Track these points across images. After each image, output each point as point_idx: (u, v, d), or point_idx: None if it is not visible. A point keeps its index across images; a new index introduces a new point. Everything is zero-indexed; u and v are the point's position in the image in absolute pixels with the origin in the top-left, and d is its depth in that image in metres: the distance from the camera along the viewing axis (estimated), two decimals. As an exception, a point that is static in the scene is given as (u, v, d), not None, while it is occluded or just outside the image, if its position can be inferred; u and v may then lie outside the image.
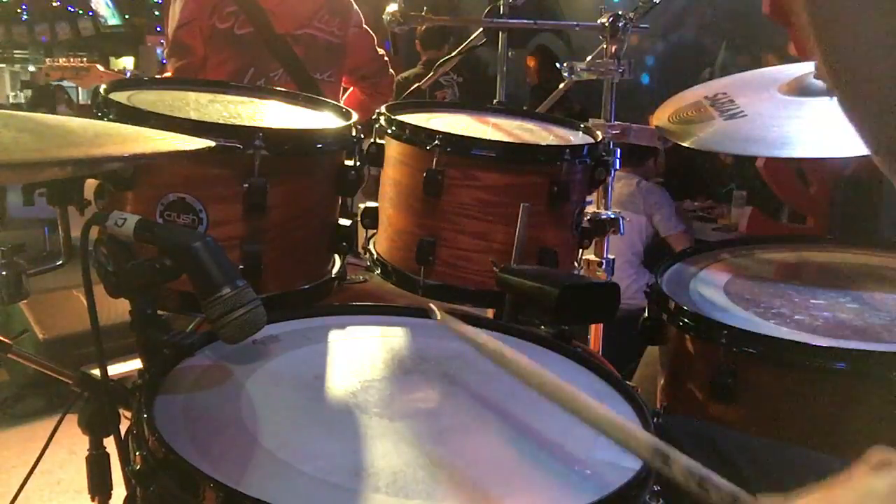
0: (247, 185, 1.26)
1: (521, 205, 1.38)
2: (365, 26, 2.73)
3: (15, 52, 7.72)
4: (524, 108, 2.46)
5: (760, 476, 1.04)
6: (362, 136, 1.47)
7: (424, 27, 4.20)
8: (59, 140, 0.88)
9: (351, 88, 2.84)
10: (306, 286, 1.41)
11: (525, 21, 2.13)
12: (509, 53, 2.20)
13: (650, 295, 1.46)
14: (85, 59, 3.67)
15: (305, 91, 1.98)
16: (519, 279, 1.30)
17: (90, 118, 1.26)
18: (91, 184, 1.32)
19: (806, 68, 1.69)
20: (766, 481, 1.03)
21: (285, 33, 2.48)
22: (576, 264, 1.64)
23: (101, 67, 3.45)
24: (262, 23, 2.44)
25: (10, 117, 0.94)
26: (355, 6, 2.69)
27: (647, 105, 1.82)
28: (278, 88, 1.75)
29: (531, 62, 5.87)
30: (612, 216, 1.78)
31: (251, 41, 2.44)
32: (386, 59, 2.86)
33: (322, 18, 2.57)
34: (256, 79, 2.47)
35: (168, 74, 2.56)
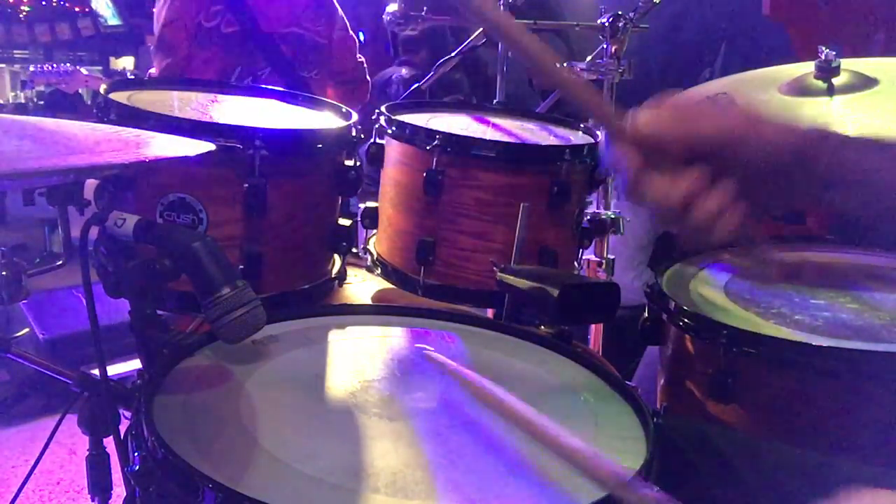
0: (247, 185, 1.26)
1: (521, 205, 1.38)
2: (350, 31, 2.74)
3: (15, 52, 7.72)
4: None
5: (759, 477, 1.04)
6: (362, 136, 1.47)
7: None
8: (60, 147, 0.88)
9: (328, 91, 2.84)
10: (306, 286, 1.41)
11: (525, 21, 2.13)
12: (509, 53, 2.20)
13: (650, 295, 1.46)
14: (68, 65, 3.74)
15: (293, 90, 1.98)
16: (519, 279, 1.30)
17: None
18: (91, 184, 1.32)
19: (806, 68, 1.69)
20: (766, 482, 1.03)
21: (272, 32, 2.48)
22: (576, 264, 1.64)
23: (84, 70, 3.49)
24: (249, 21, 2.44)
25: (11, 123, 0.94)
26: (339, 9, 2.70)
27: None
28: (277, 88, 1.75)
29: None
30: (613, 216, 1.78)
31: (238, 40, 2.44)
32: (365, 66, 2.87)
33: (308, 17, 2.58)
34: (243, 77, 2.47)
35: (153, 71, 2.57)
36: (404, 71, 4.95)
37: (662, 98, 0.84)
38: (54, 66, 3.73)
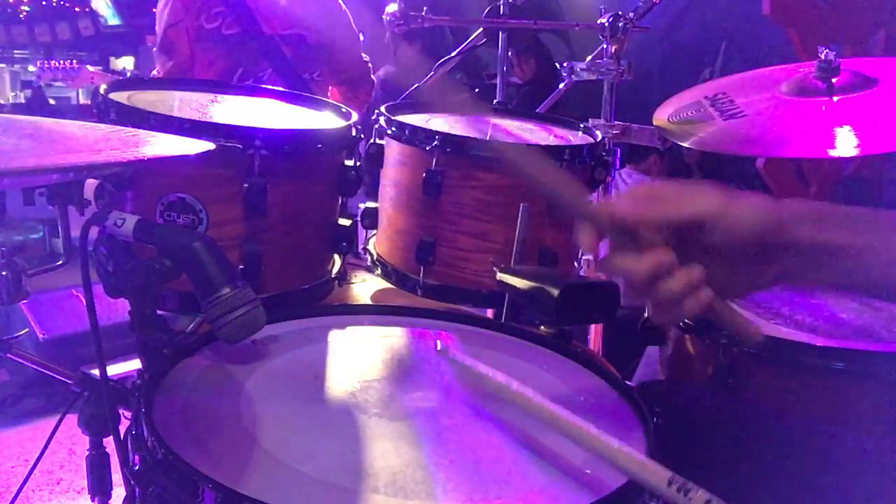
0: (247, 185, 1.26)
1: (521, 205, 1.37)
2: (353, 27, 2.74)
3: (15, 52, 7.72)
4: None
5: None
6: (362, 136, 1.47)
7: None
8: (59, 146, 0.88)
9: (330, 89, 2.84)
10: (306, 286, 1.41)
11: (525, 21, 2.13)
12: (509, 53, 2.20)
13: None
14: (75, 62, 3.78)
15: (295, 91, 1.98)
16: (519, 279, 1.29)
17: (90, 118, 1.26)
18: (91, 184, 1.32)
19: (806, 68, 1.69)
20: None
21: (273, 34, 2.48)
22: (576, 264, 1.64)
23: (90, 68, 3.51)
24: (250, 23, 2.43)
25: (10, 122, 0.94)
26: (344, 7, 2.69)
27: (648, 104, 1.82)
28: (277, 88, 1.75)
29: (528, 61, 5.71)
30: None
31: (239, 41, 2.44)
32: (370, 65, 2.86)
33: (310, 19, 2.57)
34: (245, 79, 2.47)
35: (155, 72, 2.56)
36: (381, 72, 4.98)
37: (639, 187, 0.92)
38: (61, 62, 3.75)
